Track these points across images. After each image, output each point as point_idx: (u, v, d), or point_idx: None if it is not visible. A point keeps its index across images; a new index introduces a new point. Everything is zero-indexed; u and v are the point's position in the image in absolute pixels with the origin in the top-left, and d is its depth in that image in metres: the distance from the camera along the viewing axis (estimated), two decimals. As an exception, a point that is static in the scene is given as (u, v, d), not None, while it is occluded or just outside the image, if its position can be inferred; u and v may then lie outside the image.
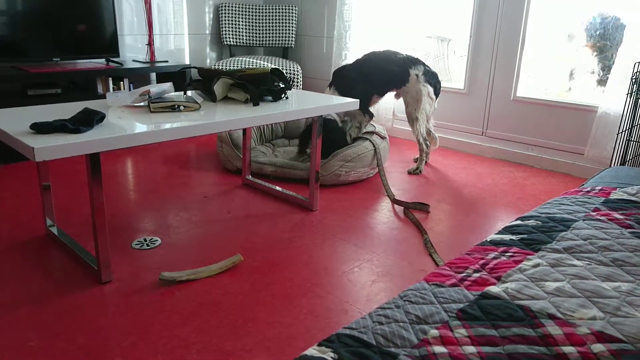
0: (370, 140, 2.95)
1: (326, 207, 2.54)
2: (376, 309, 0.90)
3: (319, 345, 0.79)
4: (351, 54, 3.98)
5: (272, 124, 3.49)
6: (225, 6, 4.29)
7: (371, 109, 3.18)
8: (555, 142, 3.24)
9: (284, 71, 3.89)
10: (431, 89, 3.03)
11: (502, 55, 3.37)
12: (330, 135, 2.94)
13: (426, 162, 3.26)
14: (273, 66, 2.95)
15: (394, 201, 2.63)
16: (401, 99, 3.22)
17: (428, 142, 3.15)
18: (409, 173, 3.12)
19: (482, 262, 1.08)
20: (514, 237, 1.21)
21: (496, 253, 1.12)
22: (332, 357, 0.74)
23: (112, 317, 1.60)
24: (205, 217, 2.39)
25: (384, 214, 2.49)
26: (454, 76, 4.20)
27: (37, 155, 1.46)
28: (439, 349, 0.79)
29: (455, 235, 2.27)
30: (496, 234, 1.24)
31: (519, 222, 1.31)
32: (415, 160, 3.33)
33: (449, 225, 2.38)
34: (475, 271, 1.04)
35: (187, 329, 1.55)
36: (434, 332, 0.83)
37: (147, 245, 2.09)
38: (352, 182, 2.91)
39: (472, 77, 3.55)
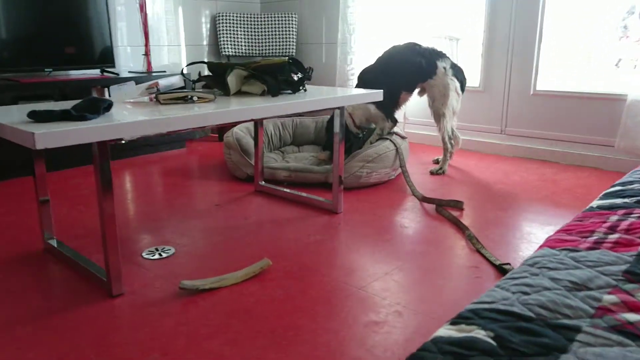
0: (390, 140, 2.76)
1: (351, 209, 2.33)
2: (504, 280, 0.69)
3: (453, 323, 0.57)
4: (357, 58, 3.82)
5: (280, 130, 3.30)
6: (222, 16, 4.14)
7: (398, 112, 2.98)
8: (581, 136, 3.07)
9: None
10: (458, 84, 2.85)
11: (518, 48, 3.22)
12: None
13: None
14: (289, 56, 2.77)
15: (423, 199, 2.42)
16: (420, 100, 3.05)
17: (452, 141, 2.96)
18: (432, 174, 2.93)
19: (607, 225, 0.88)
20: (627, 200, 1.01)
21: (618, 216, 0.92)
22: (486, 335, 0.53)
23: (128, 332, 1.36)
24: (221, 224, 2.16)
25: (414, 213, 2.29)
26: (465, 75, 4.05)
27: (37, 141, 1.24)
28: (632, 316, 0.58)
29: (497, 230, 2.06)
30: (599, 200, 1.04)
31: (619, 187, 1.12)
32: (436, 162, 3.14)
33: (487, 221, 2.18)
34: (607, 234, 0.84)
35: (218, 341, 1.32)
36: (610, 297, 0.62)
37: (160, 254, 1.86)
38: (373, 185, 2.70)
39: (487, 74, 3.40)
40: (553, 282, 0.67)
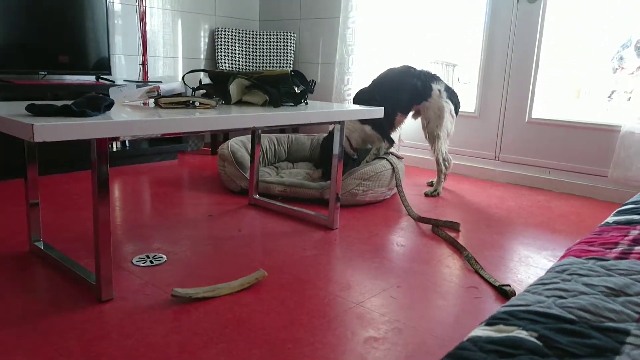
0: (387, 160, 2.75)
1: (347, 226, 2.30)
2: (535, 285, 0.66)
3: (489, 324, 0.54)
4: (354, 78, 3.84)
5: (275, 146, 3.27)
6: (220, 31, 4.14)
7: (394, 134, 2.97)
8: (574, 165, 3.10)
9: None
10: (453, 107, 2.87)
11: (515, 76, 3.26)
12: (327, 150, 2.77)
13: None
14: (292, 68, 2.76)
15: (419, 219, 2.40)
16: (415, 122, 3.07)
17: (447, 163, 2.96)
18: (426, 195, 2.91)
19: (630, 238, 0.86)
20: (644, 217, 1.00)
21: (639, 230, 0.90)
22: (528, 335, 0.50)
23: (118, 338, 1.30)
24: (213, 235, 2.11)
25: (410, 232, 2.26)
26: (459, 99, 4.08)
27: (36, 134, 1.20)
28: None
29: (494, 253, 2.04)
30: (614, 215, 1.03)
31: (632, 205, 1.10)
32: (430, 184, 3.13)
33: (484, 243, 2.16)
34: (632, 245, 0.82)
35: (212, 351, 1.26)
36: (653, 303, 0.60)
37: (151, 261, 1.80)
38: (368, 203, 2.68)
39: (483, 100, 3.43)
40: (588, 287, 0.64)
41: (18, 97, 2.89)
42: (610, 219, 1.02)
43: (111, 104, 1.49)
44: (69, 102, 1.45)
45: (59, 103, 1.57)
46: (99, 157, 1.42)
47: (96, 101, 1.45)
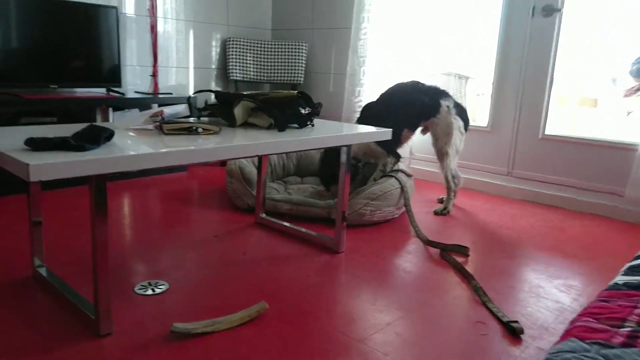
0: (396, 178, 2.70)
1: (353, 249, 2.26)
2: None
3: None
4: (365, 90, 3.79)
5: (284, 160, 3.24)
6: (232, 41, 4.13)
7: (400, 149, 2.91)
8: (589, 183, 3.02)
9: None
10: (462, 123, 2.81)
11: (529, 91, 3.19)
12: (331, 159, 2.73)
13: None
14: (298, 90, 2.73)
15: (427, 243, 2.35)
16: (426, 135, 3.01)
17: (456, 180, 2.90)
18: (436, 214, 2.86)
19: (638, 312, 0.81)
20: (657, 280, 0.94)
21: (649, 300, 0.85)
22: None
23: (113, 379, 1.28)
24: (218, 259, 2.09)
25: (417, 256, 2.21)
26: (472, 115, 4.02)
27: (32, 173, 1.18)
28: None
29: (504, 281, 1.99)
30: (623, 275, 0.98)
31: (644, 261, 1.05)
32: (440, 201, 3.08)
33: (493, 269, 2.10)
34: (640, 324, 0.77)
35: (208, 395, 1.24)
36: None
37: (153, 290, 1.78)
38: (376, 223, 2.64)
39: (496, 114, 3.36)
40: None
41: (28, 111, 2.90)
42: (620, 279, 0.97)
43: (111, 134, 1.47)
44: (69, 134, 1.44)
45: (62, 131, 1.56)
46: (96, 191, 1.41)
47: (96, 133, 1.43)
